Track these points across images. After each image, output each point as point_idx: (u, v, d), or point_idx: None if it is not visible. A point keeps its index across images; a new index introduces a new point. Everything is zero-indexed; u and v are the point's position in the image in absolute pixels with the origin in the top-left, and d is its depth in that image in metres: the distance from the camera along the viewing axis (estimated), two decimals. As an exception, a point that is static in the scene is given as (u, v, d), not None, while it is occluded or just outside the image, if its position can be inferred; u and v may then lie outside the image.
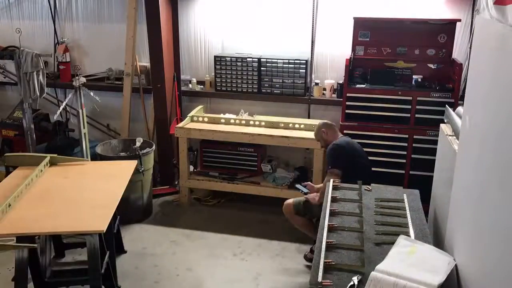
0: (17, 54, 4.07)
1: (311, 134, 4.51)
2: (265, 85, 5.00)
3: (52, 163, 3.69)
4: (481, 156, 2.07)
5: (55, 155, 3.77)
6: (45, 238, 3.55)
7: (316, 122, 4.83)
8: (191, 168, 5.13)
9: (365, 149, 4.48)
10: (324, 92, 4.95)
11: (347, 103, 4.45)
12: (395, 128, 4.40)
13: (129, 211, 4.44)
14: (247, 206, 4.86)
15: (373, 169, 4.45)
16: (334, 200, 3.00)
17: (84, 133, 4.32)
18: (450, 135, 3.08)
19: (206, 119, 4.89)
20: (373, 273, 2.13)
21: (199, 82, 5.30)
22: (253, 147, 4.83)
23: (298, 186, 4.09)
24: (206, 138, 4.84)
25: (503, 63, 1.81)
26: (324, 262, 2.29)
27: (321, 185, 3.84)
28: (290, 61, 4.86)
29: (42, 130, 5.20)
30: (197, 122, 4.88)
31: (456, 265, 2.29)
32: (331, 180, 3.29)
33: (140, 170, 4.42)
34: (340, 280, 2.20)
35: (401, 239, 2.42)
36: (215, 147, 4.95)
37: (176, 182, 5.19)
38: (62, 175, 3.50)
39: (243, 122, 4.82)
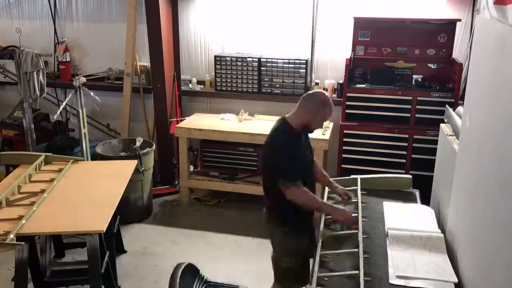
0: (17, 54, 4.07)
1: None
2: (265, 85, 5.00)
3: (47, 161, 3.70)
4: (481, 156, 2.07)
5: (50, 153, 3.78)
6: (45, 238, 3.56)
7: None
8: (191, 168, 5.13)
9: (365, 149, 4.50)
10: (325, 92, 4.94)
11: (347, 103, 4.45)
12: (395, 128, 4.40)
13: (129, 211, 4.44)
14: (247, 206, 4.86)
15: (373, 169, 4.48)
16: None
17: (84, 133, 4.32)
18: (450, 135, 3.08)
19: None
20: (390, 232, 2.49)
21: (199, 82, 5.31)
22: (253, 147, 4.83)
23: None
24: (206, 138, 4.84)
25: (503, 63, 1.81)
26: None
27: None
28: (290, 61, 4.86)
29: (42, 130, 5.20)
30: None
31: (457, 264, 2.30)
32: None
33: (140, 170, 4.42)
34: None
35: (385, 204, 2.87)
36: (215, 147, 4.94)
37: (176, 182, 5.19)
38: (62, 174, 3.49)
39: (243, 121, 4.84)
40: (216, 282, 2.83)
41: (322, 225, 2.73)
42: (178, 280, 2.65)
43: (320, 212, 2.80)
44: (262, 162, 2.86)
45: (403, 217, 2.71)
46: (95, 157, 4.54)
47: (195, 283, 2.74)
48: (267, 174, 2.81)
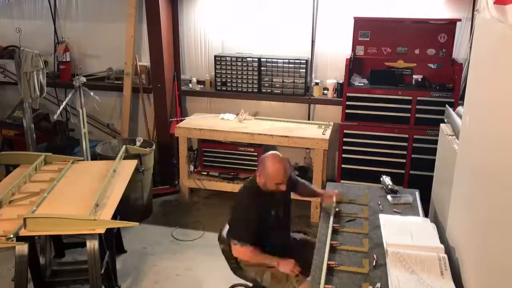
0: (17, 54, 4.07)
1: (311, 134, 4.53)
2: (265, 84, 4.99)
3: (48, 161, 3.70)
4: (481, 156, 2.07)
5: (50, 153, 3.78)
6: (45, 238, 3.56)
7: (317, 122, 4.86)
8: (191, 168, 5.13)
9: (365, 149, 4.49)
10: (325, 91, 4.95)
11: (347, 102, 4.45)
12: (395, 128, 4.40)
13: (129, 211, 4.43)
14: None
15: (373, 169, 4.48)
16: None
17: (84, 133, 4.32)
18: (450, 135, 3.08)
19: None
20: (390, 249, 2.35)
21: (199, 82, 5.31)
22: (253, 147, 4.83)
23: None
24: (206, 138, 4.84)
25: (503, 63, 1.81)
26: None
27: None
28: (290, 60, 4.86)
29: (42, 130, 5.20)
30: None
31: (457, 263, 2.30)
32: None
33: (140, 170, 4.42)
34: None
35: (381, 217, 2.73)
36: (215, 147, 4.94)
37: (176, 182, 5.19)
38: (62, 174, 3.49)
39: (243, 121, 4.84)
40: None
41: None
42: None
43: (267, 264, 2.81)
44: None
45: (402, 231, 2.56)
46: (95, 157, 4.54)
47: None
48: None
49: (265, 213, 2.82)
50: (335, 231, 2.70)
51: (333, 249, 2.51)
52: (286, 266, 2.71)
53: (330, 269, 2.33)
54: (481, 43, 2.21)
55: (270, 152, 2.85)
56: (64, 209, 2.97)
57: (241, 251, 2.78)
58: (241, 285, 3.26)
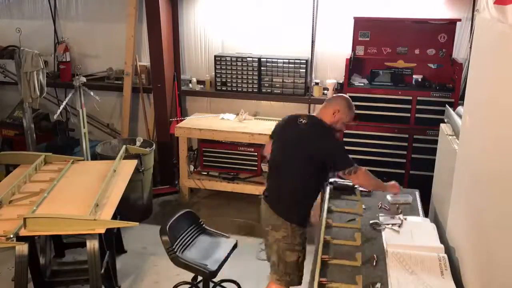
0: (17, 54, 4.07)
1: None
2: (265, 84, 4.99)
3: (48, 161, 3.70)
4: (481, 156, 2.07)
5: (50, 153, 3.78)
6: (45, 238, 3.56)
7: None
8: (191, 168, 5.13)
9: (365, 149, 4.49)
10: (325, 91, 4.95)
11: (347, 103, 4.45)
12: (395, 128, 4.40)
13: (129, 211, 4.43)
14: (247, 206, 4.86)
15: (373, 169, 4.46)
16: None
17: (84, 133, 4.32)
18: (450, 135, 3.08)
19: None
20: (390, 250, 2.37)
21: (199, 82, 5.31)
22: (253, 147, 4.83)
23: None
24: (206, 138, 4.84)
25: (503, 63, 1.81)
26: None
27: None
28: (290, 60, 4.86)
29: (42, 129, 5.20)
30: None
31: (457, 263, 2.30)
32: None
33: (140, 170, 4.42)
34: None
35: (381, 218, 2.76)
36: (215, 147, 4.95)
37: (176, 182, 5.19)
38: (62, 174, 3.49)
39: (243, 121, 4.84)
40: (212, 230, 3.30)
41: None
42: (171, 220, 3.07)
43: (381, 190, 3.07)
44: (307, 149, 2.78)
45: (401, 231, 2.58)
46: (95, 157, 4.54)
47: (191, 227, 3.19)
48: (311, 161, 2.78)
49: None
50: (328, 226, 2.74)
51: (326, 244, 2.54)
52: (394, 188, 3.04)
53: (324, 263, 2.35)
54: (481, 43, 2.21)
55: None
56: (64, 209, 2.97)
57: (364, 174, 2.85)
58: (185, 282, 3.38)
